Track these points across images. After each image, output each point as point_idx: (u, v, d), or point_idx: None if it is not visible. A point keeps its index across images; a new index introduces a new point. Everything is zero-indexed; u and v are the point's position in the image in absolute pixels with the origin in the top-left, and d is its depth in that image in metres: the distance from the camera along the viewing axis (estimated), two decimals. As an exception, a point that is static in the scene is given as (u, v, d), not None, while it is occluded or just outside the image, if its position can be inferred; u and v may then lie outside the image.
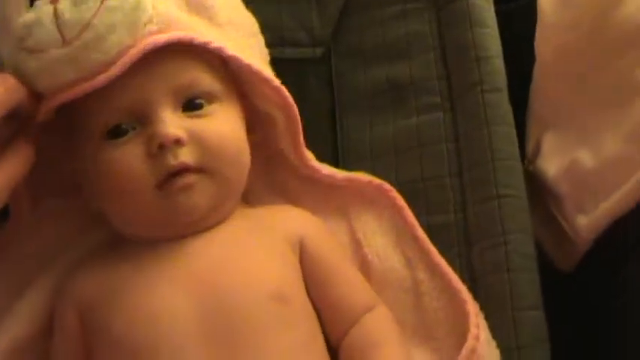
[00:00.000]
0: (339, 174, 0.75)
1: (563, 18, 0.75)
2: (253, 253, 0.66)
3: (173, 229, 0.65)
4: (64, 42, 0.62)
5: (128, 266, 0.65)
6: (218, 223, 0.67)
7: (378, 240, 0.73)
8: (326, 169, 0.75)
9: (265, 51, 0.75)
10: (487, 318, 0.68)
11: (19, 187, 0.64)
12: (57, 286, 0.69)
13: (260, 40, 0.75)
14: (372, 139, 0.82)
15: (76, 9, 0.62)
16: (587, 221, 0.71)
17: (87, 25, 0.61)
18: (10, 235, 0.70)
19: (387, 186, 0.74)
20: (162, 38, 0.63)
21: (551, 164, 0.77)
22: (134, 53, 0.62)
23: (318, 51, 0.87)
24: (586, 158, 0.72)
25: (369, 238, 0.73)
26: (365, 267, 0.72)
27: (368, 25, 0.87)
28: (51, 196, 0.72)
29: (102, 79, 0.61)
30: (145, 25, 0.63)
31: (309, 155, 0.74)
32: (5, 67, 0.69)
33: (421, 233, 0.72)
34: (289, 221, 0.71)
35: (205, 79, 0.66)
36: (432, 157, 0.77)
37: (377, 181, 0.75)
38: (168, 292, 0.63)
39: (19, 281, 0.69)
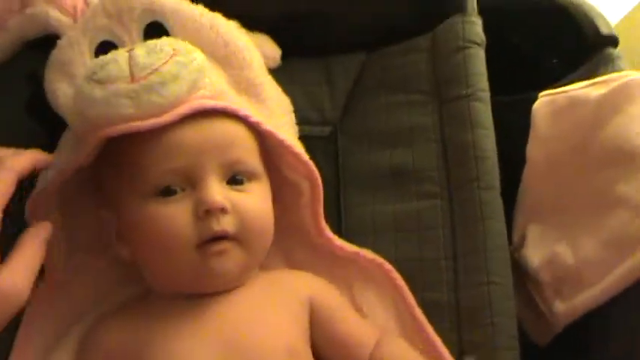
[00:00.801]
0: (349, 247, 0.79)
1: (554, 131, 0.79)
2: (269, 313, 0.71)
3: (201, 288, 0.70)
4: (133, 79, 0.68)
5: (155, 320, 0.69)
6: (239, 285, 0.72)
7: (380, 312, 0.78)
8: (338, 241, 0.79)
9: (296, 128, 0.82)
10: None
11: (52, 243, 0.67)
12: (86, 337, 0.72)
13: (292, 117, 0.82)
14: (373, 215, 0.85)
15: (149, 57, 0.69)
16: (564, 308, 0.75)
17: (155, 70, 0.68)
18: (44, 292, 0.72)
19: (387, 266, 0.78)
20: (210, 103, 0.69)
21: (535, 254, 0.80)
22: (184, 108, 0.68)
23: (326, 130, 0.92)
24: (566, 254, 0.76)
25: (371, 309, 0.78)
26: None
27: (373, 110, 0.91)
28: (81, 251, 0.76)
29: (153, 122, 0.67)
30: (200, 88, 0.70)
31: (326, 225, 0.79)
32: (59, 101, 0.76)
33: (419, 313, 0.76)
34: (299, 283, 0.76)
35: (250, 159, 0.72)
36: (429, 241, 0.81)
37: (379, 259, 0.79)
38: (193, 346, 0.67)
39: (54, 336, 0.73)
